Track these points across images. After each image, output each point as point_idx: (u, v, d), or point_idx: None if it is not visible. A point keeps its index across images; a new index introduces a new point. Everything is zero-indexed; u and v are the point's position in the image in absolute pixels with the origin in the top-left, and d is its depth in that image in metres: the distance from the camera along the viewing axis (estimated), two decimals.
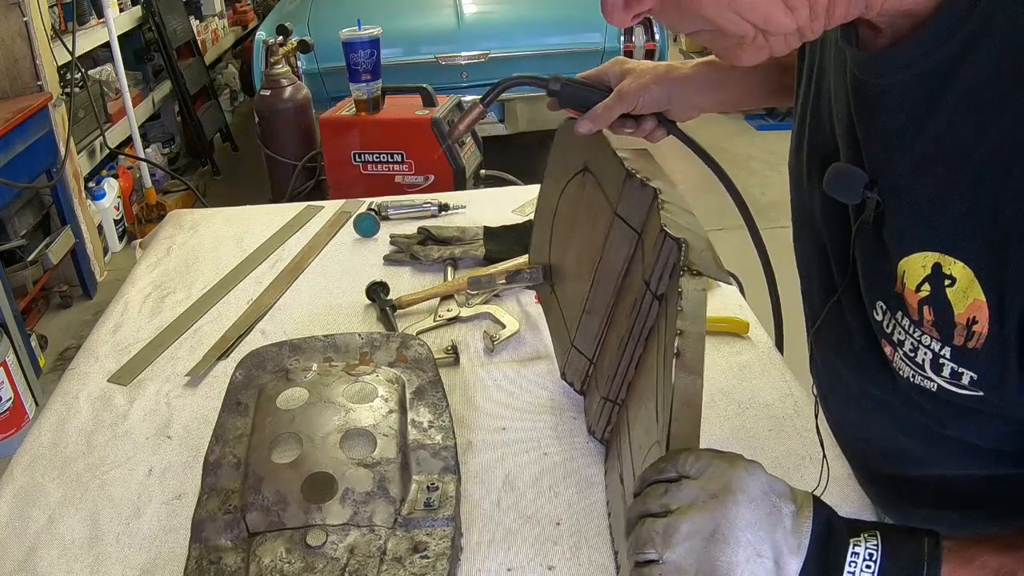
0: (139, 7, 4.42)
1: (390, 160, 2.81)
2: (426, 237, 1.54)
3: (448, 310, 1.32)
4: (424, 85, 2.85)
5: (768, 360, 1.17)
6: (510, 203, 1.71)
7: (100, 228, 3.77)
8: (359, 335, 1.12)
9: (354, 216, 1.63)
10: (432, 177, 2.79)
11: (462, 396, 1.13)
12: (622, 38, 4.12)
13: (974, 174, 0.56)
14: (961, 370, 0.59)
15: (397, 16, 3.98)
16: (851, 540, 0.55)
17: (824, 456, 0.87)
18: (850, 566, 0.55)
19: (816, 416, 0.89)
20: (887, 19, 0.60)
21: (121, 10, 4.24)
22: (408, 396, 1.02)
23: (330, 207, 1.75)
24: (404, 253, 1.51)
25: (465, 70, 4.01)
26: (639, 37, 4.13)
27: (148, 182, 4.12)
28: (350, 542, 0.82)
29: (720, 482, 0.57)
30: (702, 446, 1.00)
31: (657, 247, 0.80)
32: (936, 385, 0.61)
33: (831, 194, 0.67)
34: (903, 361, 0.63)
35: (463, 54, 3.98)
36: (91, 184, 3.74)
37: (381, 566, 0.80)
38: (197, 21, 5.38)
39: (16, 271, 2.99)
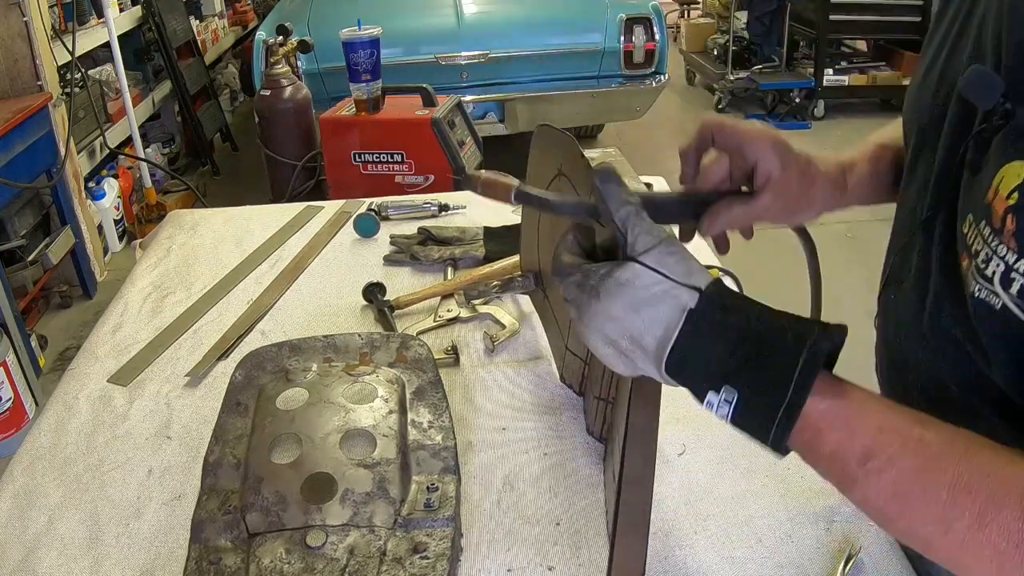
0: (139, 7, 4.43)
1: (390, 160, 2.82)
2: (426, 237, 1.54)
3: (448, 310, 1.32)
4: (424, 85, 2.86)
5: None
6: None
7: (100, 228, 3.77)
8: (359, 335, 1.12)
9: (354, 216, 1.63)
10: (432, 177, 2.79)
11: (462, 396, 1.13)
12: (622, 38, 4.12)
13: None
14: None
15: (397, 16, 3.98)
16: (704, 396, 0.57)
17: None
18: (705, 404, 0.58)
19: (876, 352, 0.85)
20: None
21: (121, 10, 4.24)
22: (408, 396, 1.02)
23: (330, 207, 1.75)
24: (404, 253, 1.51)
25: (465, 70, 4.01)
26: (639, 37, 4.13)
27: (148, 182, 4.12)
28: (350, 543, 0.82)
29: (581, 320, 0.61)
30: (702, 446, 1.01)
31: (621, 239, 0.80)
32: (1001, 303, 0.58)
33: (966, 94, 0.64)
34: (974, 274, 0.61)
35: (463, 54, 3.99)
36: (91, 184, 3.75)
37: (381, 567, 0.80)
38: (197, 21, 5.38)
39: (16, 271, 2.99)
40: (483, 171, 0.70)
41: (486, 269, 1.40)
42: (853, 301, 0.88)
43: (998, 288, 0.58)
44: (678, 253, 0.59)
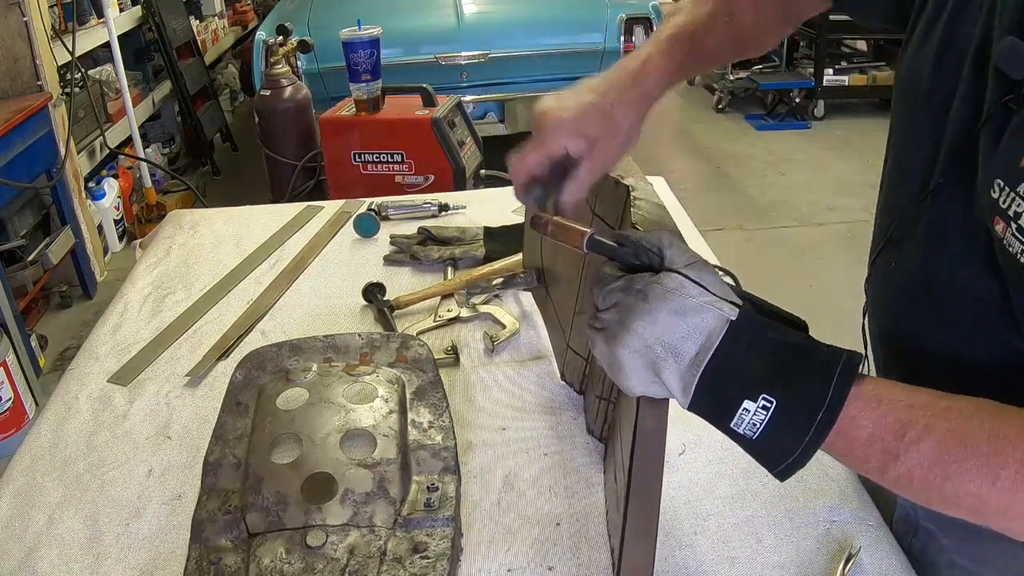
0: (139, 7, 4.42)
1: (390, 160, 2.82)
2: (426, 237, 1.54)
3: (448, 310, 1.32)
4: (424, 85, 2.85)
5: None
6: (510, 203, 1.71)
7: (100, 228, 3.77)
8: (359, 335, 1.12)
9: (354, 216, 1.63)
10: (432, 177, 2.79)
11: (462, 396, 1.13)
12: (622, 38, 4.12)
13: None
14: None
15: (397, 16, 3.98)
16: (739, 407, 0.58)
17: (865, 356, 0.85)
18: (733, 421, 0.59)
19: (864, 316, 0.86)
20: None
21: (121, 10, 4.24)
22: (408, 396, 1.02)
23: (330, 207, 1.75)
24: (404, 253, 1.51)
25: (465, 70, 4.01)
26: (639, 37, 4.13)
27: (148, 182, 4.12)
28: (350, 543, 0.82)
29: (611, 332, 0.62)
30: (702, 446, 1.01)
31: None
32: None
33: (1000, 64, 0.65)
34: (1015, 236, 0.62)
35: (463, 54, 3.99)
36: (91, 184, 3.75)
37: (381, 567, 0.80)
38: (197, 21, 5.38)
39: (16, 271, 2.99)
40: (554, 216, 0.72)
41: (486, 269, 1.40)
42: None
43: None
44: (714, 273, 0.62)
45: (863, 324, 0.86)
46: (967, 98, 0.70)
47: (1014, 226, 0.62)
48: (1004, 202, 0.63)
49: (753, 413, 0.58)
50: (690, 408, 0.61)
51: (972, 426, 0.56)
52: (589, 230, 0.68)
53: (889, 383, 0.59)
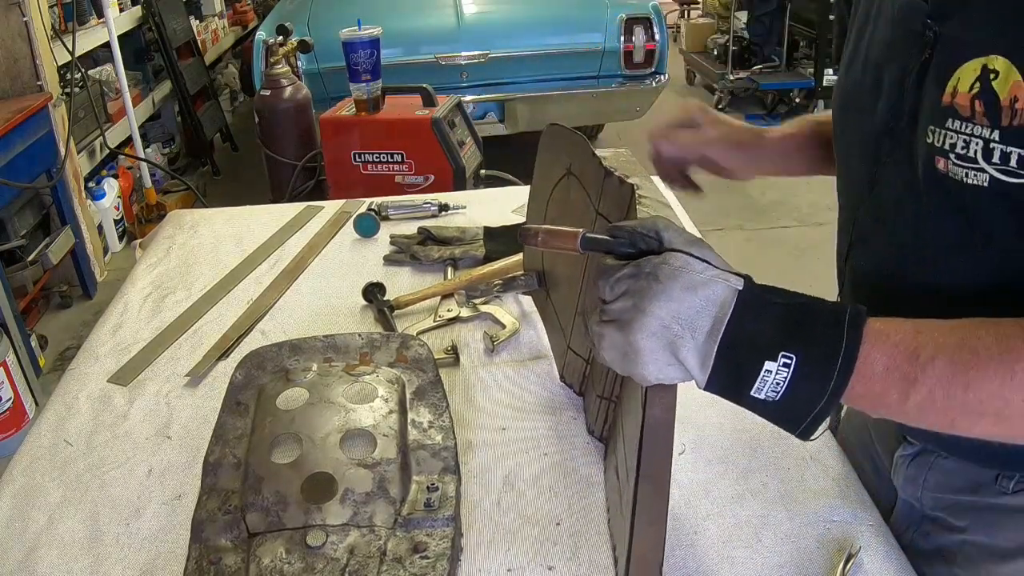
0: (139, 7, 4.43)
1: (390, 160, 2.81)
2: (426, 237, 1.54)
3: (448, 310, 1.32)
4: (424, 85, 2.85)
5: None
6: (510, 203, 1.71)
7: (100, 228, 3.77)
8: (359, 335, 1.12)
9: (354, 216, 1.63)
10: (432, 177, 2.79)
11: (462, 396, 1.13)
12: (622, 38, 4.12)
13: None
14: (1010, 150, 0.62)
15: (397, 16, 3.98)
16: (761, 368, 0.59)
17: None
18: (755, 387, 0.60)
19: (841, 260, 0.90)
20: None
21: (121, 10, 4.24)
22: (408, 396, 1.02)
23: (330, 207, 1.75)
24: (404, 253, 1.51)
25: (465, 70, 4.01)
26: (639, 37, 4.13)
27: (148, 182, 4.12)
28: (350, 542, 0.82)
29: (627, 314, 0.62)
30: (702, 446, 1.01)
31: None
32: (988, 177, 0.64)
33: (900, 22, 0.72)
34: (956, 165, 0.66)
35: (463, 54, 3.99)
36: (91, 184, 3.75)
37: (381, 566, 0.80)
38: (197, 21, 5.39)
39: (16, 271, 2.99)
40: (541, 226, 0.72)
41: (486, 269, 1.40)
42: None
43: (982, 163, 0.64)
44: (712, 249, 0.64)
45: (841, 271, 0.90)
46: (890, 71, 0.75)
47: (952, 156, 0.66)
48: (938, 141, 0.67)
49: (775, 373, 0.59)
50: (707, 386, 0.62)
51: (979, 334, 0.58)
52: (580, 230, 0.68)
53: (890, 319, 0.61)
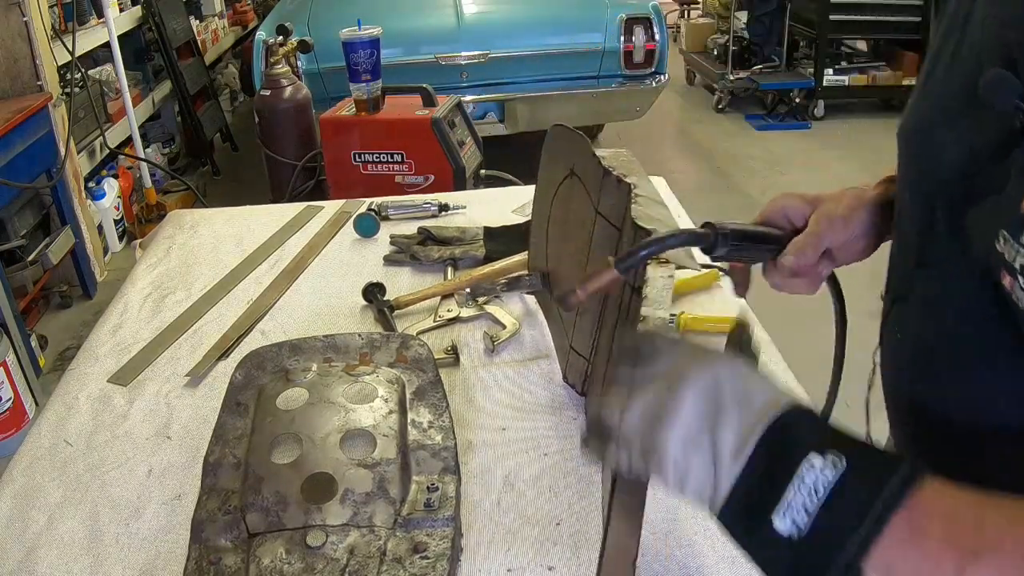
0: (139, 7, 4.42)
1: (390, 160, 2.81)
2: (426, 237, 1.54)
3: (448, 310, 1.32)
4: (424, 85, 2.85)
5: (769, 361, 1.17)
6: (510, 203, 1.71)
7: (100, 228, 3.77)
8: (359, 335, 1.12)
9: (354, 216, 1.63)
10: (432, 177, 2.79)
11: (462, 396, 1.13)
12: (622, 38, 4.12)
13: None
14: None
15: (397, 16, 3.98)
16: (804, 461, 0.50)
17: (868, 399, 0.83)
18: (789, 491, 0.50)
19: (869, 388, 0.82)
20: None
21: (121, 10, 4.24)
22: (408, 396, 1.02)
23: (330, 207, 1.75)
24: (404, 253, 1.51)
25: (465, 70, 4.01)
26: (639, 37, 4.13)
27: (148, 182, 4.12)
28: (350, 543, 0.82)
29: (677, 369, 0.57)
30: None
31: (632, 241, 0.81)
32: None
33: (984, 96, 0.61)
34: (1020, 292, 0.56)
35: (463, 54, 3.99)
36: (91, 184, 3.75)
37: (381, 567, 0.80)
38: (197, 21, 5.38)
39: (16, 271, 2.99)
40: (576, 288, 0.68)
41: (486, 269, 1.40)
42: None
43: None
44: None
45: (867, 397, 0.82)
46: (959, 142, 0.65)
47: (1022, 279, 0.56)
48: (1009, 255, 0.58)
49: (820, 470, 0.49)
50: (738, 480, 0.52)
51: None
52: (610, 261, 0.67)
53: (946, 485, 0.51)
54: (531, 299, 1.34)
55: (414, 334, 1.20)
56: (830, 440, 0.51)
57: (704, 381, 0.56)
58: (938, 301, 0.70)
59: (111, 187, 3.87)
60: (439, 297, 1.36)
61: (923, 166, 0.72)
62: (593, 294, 0.68)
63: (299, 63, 3.70)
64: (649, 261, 0.73)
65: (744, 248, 0.77)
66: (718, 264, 0.84)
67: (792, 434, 0.52)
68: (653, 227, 0.78)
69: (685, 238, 0.73)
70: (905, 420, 0.80)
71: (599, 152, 0.95)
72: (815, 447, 0.51)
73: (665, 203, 0.87)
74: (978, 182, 0.62)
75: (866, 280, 0.86)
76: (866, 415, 0.84)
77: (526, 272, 1.26)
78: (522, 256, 1.37)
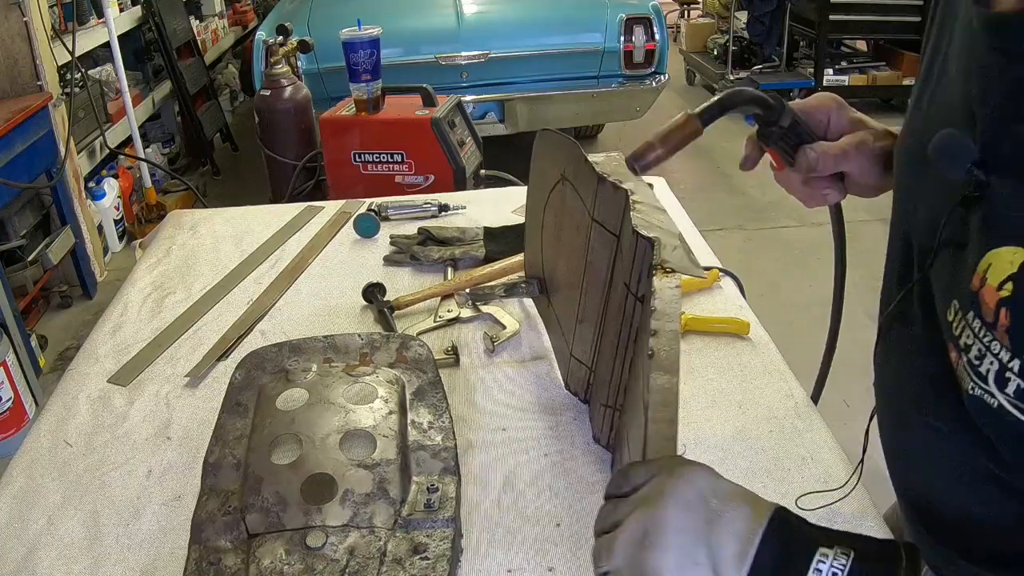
0: (139, 7, 4.43)
1: (390, 160, 2.81)
2: (426, 238, 1.54)
3: (448, 311, 1.32)
4: (424, 85, 2.85)
5: (768, 360, 1.17)
6: (510, 203, 1.71)
7: (100, 228, 3.77)
8: (359, 336, 1.12)
9: (354, 216, 1.63)
10: (432, 177, 2.79)
11: (462, 397, 1.13)
12: (622, 38, 4.12)
13: None
14: None
15: (397, 16, 3.98)
16: (817, 553, 0.52)
17: (860, 465, 0.83)
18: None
19: (868, 425, 0.81)
20: None
21: (121, 10, 4.24)
22: (408, 397, 1.02)
23: (330, 207, 1.75)
24: (404, 254, 1.51)
25: (465, 70, 4.01)
26: (639, 37, 4.13)
27: (148, 182, 4.12)
28: (350, 543, 0.82)
29: (656, 488, 0.57)
30: (702, 446, 1.01)
31: (632, 248, 0.81)
32: (997, 403, 0.54)
33: (936, 161, 0.59)
34: (967, 369, 0.56)
35: (463, 54, 3.99)
36: (91, 184, 3.75)
37: (381, 567, 0.80)
38: (197, 21, 5.39)
39: (16, 271, 2.99)
40: (654, 142, 0.68)
41: (486, 269, 1.40)
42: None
43: (993, 388, 0.54)
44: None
45: (867, 427, 0.82)
46: (932, 197, 0.64)
47: (966, 358, 0.56)
48: (957, 328, 0.57)
49: (832, 559, 0.51)
50: None
51: None
52: (686, 113, 0.66)
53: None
54: (530, 300, 1.34)
55: (414, 334, 1.20)
56: (827, 534, 0.53)
57: (686, 495, 0.55)
58: (909, 345, 0.69)
59: (111, 187, 3.87)
60: (439, 297, 1.36)
61: (904, 205, 0.71)
62: (673, 150, 0.67)
63: (299, 63, 3.70)
64: (654, 272, 0.73)
65: (790, 133, 0.78)
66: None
67: (794, 531, 0.53)
68: (655, 235, 0.78)
69: (760, 98, 0.74)
70: (894, 478, 0.82)
71: (592, 157, 0.94)
72: (820, 541, 0.52)
73: (663, 207, 0.87)
74: (944, 233, 0.60)
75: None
76: (869, 418, 0.84)
77: (523, 279, 1.25)
78: (521, 257, 1.37)
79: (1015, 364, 0.52)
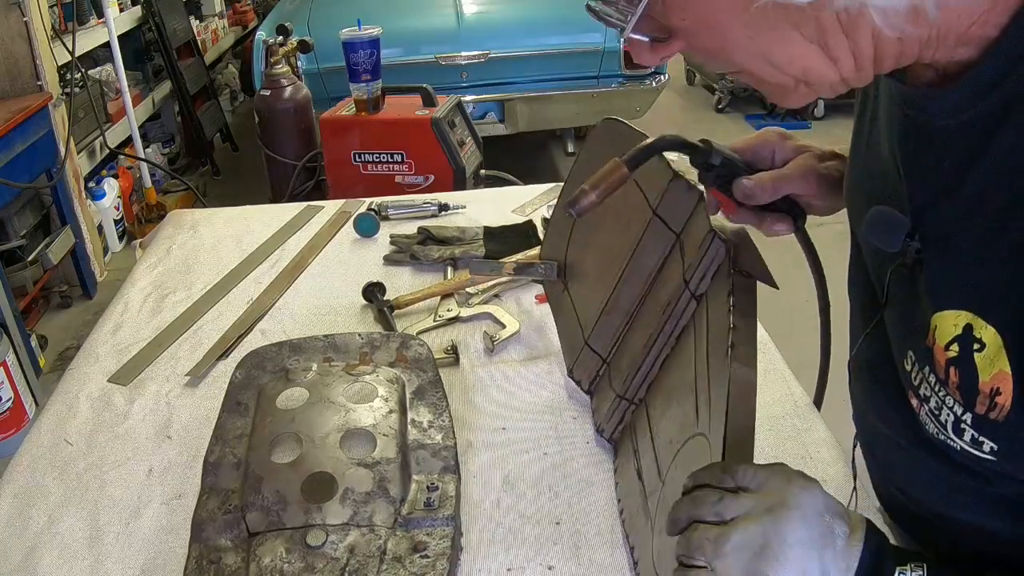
0: (139, 7, 4.42)
1: (390, 160, 2.81)
2: (426, 237, 1.54)
3: (448, 310, 1.32)
4: (424, 85, 2.85)
5: (768, 360, 1.17)
6: (510, 203, 1.71)
7: (100, 228, 3.77)
8: (359, 335, 1.12)
9: (354, 216, 1.63)
10: (432, 177, 2.79)
11: (462, 396, 1.13)
12: (621, 39, 4.12)
13: (1017, 238, 0.51)
14: (982, 438, 0.56)
15: (397, 16, 3.98)
16: (897, 568, 0.56)
17: (855, 489, 0.85)
18: None
19: (854, 448, 0.85)
20: (939, 64, 0.56)
21: (121, 10, 4.24)
22: (408, 396, 1.02)
23: (330, 207, 1.75)
24: (404, 253, 1.51)
25: (465, 70, 4.01)
26: None
27: (148, 182, 4.12)
28: (350, 542, 0.82)
29: (776, 497, 0.57)
30: None
31: (703, 248, 0.81)
32: (959, 447, 0.58)
33: (870, 238, 0.63)
34: (928, 417, 0.60)
35: (463, 54, 3.98)
36: (91, 184, 3.74)
37: (381, 566, 0.80)
38: (197, 21, 5.38)
39: (16, 271, 2.99)
40: (586, 188, 0.70)
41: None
42: (842, 302, 0.88)
43: (952, 435, 0.58)
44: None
45: (852, 454, 0.85)
46: (876, 252, 0.66)
47: (926, 408, 0.60)
48: (915, 379, 0.60)
49: (910, 572, 0.57)
50: None
51: None
52: (615, 161, 0.69)
53: None
54: (530, 300, 1.34)
55: (414, 334, 1.20)
56: (896, 549, 0.58)
57: (807, 509, 0.56)
58: (876, 387, 0.72)
59: (111, 187, 3.87)
60: (439, 297, 1.36)
61: (859, 239, 0.72)
62: (604, 195, 0.69)
63: (299, 63, 3.70)
64: (732, 273, 0.75)
65: (724, 171, 0.79)
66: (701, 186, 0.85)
67: (883, 553, 0.56)
68: (730, 238, 0.79)
69: (683, 143, 0.76)
70: (875, 483, 0.86)
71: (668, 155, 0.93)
72: (897, 557, 0.57)
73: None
74: (891, 290, 0.64)
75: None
76: (853, 473, 0.87)
77: (540, 261, 1.22)
78: (522, 256, 1.37)
79: (967, 417, 0.56)
